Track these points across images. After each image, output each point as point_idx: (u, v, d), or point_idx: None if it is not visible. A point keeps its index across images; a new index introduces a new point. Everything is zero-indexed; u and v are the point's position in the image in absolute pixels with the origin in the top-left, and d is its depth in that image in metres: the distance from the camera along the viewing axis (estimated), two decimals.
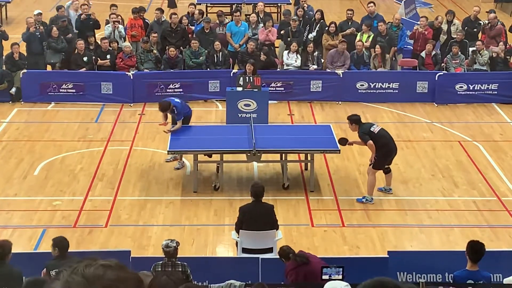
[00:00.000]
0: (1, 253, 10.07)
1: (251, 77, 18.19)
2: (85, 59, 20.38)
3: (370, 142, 14.41)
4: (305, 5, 23.25)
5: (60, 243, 10.46)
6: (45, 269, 10.18)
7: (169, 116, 16.20)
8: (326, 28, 21.40)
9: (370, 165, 14.72)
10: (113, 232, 13.63)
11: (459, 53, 20.73)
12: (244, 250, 12.00)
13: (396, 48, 21.26)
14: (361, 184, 15.50)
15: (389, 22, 22.01)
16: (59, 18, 21.84)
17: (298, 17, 22.02)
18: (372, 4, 22.54)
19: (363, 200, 14.72)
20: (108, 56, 20.59)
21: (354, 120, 14.76)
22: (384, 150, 14.57)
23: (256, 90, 18.18)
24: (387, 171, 15.00)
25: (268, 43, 21.33)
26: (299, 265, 10.42)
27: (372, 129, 14.52)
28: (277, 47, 21.93)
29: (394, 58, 21.25)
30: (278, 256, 11.70)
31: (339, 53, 20.49)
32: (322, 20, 21.91)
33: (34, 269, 10.47)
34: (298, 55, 20.69)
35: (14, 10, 28.42)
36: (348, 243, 13.25)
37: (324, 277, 10.14)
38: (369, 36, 21.22)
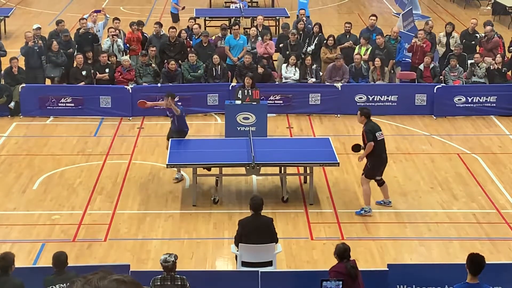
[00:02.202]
0: (3, 265, 10.09)
1: (249, 90, 18.22)
2: (83, 73, 20.40)
3: (372, 143, 14.43)
4: (303, 18, 23.31)
5: (57, 259, 10.43)
6: None
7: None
8: (325, 42, 21.45)
9: (362, 174, 14.73)
10: (112, 246, 13.60)
11: (457, 65, 20.77)
12: (244, 264, 11.98)
13: (394, 61, 21.30)
14: (360, 196, 15.48)
15: (387, 35, 22.07)
16: (58, 32, 21.88)
17: (298, 31, 22.07)
18: (373, 17, 22.61)
19: (361, 212, 14.72)
20: (107, 70, 20.62)
21: (364, 113, 14.79)
22: (378, 158, 14.60)
23: (255, 103, 18.21)
24: (381, 183, 14.99)
25: (267, 56, 21.37)
26: (345, 275, 10.35)
27: (377, 134, 14.55)
28: (276, 60, 21.96)
29: (392, 71, 21.28)
30: (278, 269, 11.69)
31: (337, 68, 20.51)
32: (320, 34, 21.97)
33: (33, 284, 10.45)
34: (297, 68, 20.73)
35: (13, 24, 28.46)
36: None
37: None
38: (367, 49, 21.27)
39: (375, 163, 14.60)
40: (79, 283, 3.06)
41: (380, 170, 14.80)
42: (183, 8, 26.30)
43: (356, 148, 15.01)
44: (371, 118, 14.89)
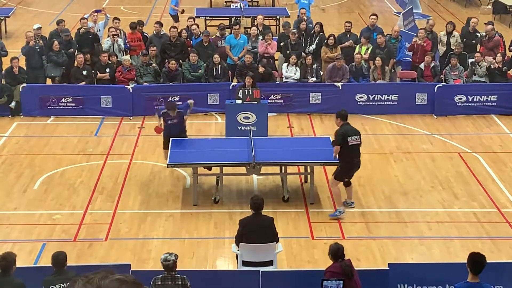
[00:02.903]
0: (5, 265, 10.09)
1: (250, 90, 18.22)
2: (84, 72, 20.41)
3: (338, 148, 14.30)
4: (304, 17, 23.30)
5: (56, 259, 10.42)
6: None
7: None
8: (325, 41, 21.44)
9: (332, 175, 14.63)
10: (113, 245, 13.61)
11: (458, 64, 20.76)
12: (244, 263, 11.98)
13: (395, 60, 21.29)
14: (361, 196, 15.50)
15: (388, 34, 22.06)
16: (59, 32, 21.89)
17: (300, 30, 22.07)
18: (374, 16, 22.60)
19: (336, 214, 14.58)
20: (108, 70, 20.62)
21: (341, 115, 14.66)
22: (347, 164, 14.46)
23: (256, 102, 18.21)
24: (347, 184, 14.94)
25: (268, 56, 21.37)
26: (341, 274, 10.34)
27: (349, 138, 14.38)
28: (277, 60, 21.96)
29: (393, 70, 21.28)
30: (279, 269, 11.70)
31: (337, 68, 20.51)
32: (321, 33, 21.95)
33: (34, 284, 10.46)
34: (297, 68, 20.73)
35: (14, 24, 28.47)
36: (349, 256, 13.11)
37: None
38: (368, 48, 21.26)
39: (345, 166, 14.50)
40: (80, 282, 3.06)
41: (349, 174, 14.74)
42: (183, 11, 26.29)
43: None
44: (348, 122, 14.69)
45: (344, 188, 14.94)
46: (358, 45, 21.56)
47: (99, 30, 22.52)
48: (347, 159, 14.41)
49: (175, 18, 25.93)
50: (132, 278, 3.09)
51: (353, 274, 10.45)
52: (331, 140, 14.72)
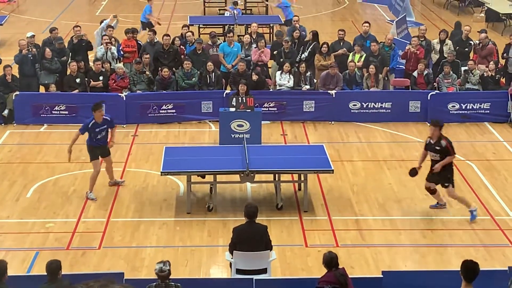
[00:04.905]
0: None
1: (244, 98, 18.22)
2: (77, 80, 20.39)
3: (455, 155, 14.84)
4: (297, 25, 23.33)
5: (48, 267, 10.38)
6: None
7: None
8: (319, 49, 21.43)
9: (447, 186, 14.78)
10: (107, 254, 13.57)
11: (451, 72, 20.80)
12: (238, 271, 11.96)
13: (388, 68, 21.33)
14: (354, 203, 15.50)
15: (381, 42, 22.10)
16: (52, 39, 21.87)
17: (293, 38, 22.09)
18: (367, 24, 22.65)
19: (474, 214, 14.80)
20: (101, 78, 20.61)
21: (440, 123, 14.86)
22: (452, 166, 14.88)
23: (249, 110, 18.21)
24: (434, 192, 15.17)
25: (261, 64, 21.38)
26: (335, 283, 10.31)
27: None
28: (270, 68, 21.97)
29: (386, 78, 21.31)
30: (273, 277, 11.68)
31: (331, 75, 20.53)
32: (315, 42, 21.86)
33: None
34: (291, 76, 20.74)
35: (7, 33, 28.44)
36: (342, 263, 13.09)
37: None
38: (361, 56, 21.29)
39: (451, 170, 14.81)
40: None
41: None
42: (159, 22, 26.22)
43: (413, 172, 15.17)
44: None
45: (434, 194, 15.16)
46: (352, 53, 21.60)
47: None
48: (452, 163, 14.82)
49: (144, 25, 25.75)
50: None
51: (348, 284, 10.43)
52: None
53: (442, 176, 14.73)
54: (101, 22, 23.40)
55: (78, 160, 17.70)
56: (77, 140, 18.87)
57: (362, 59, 21.21)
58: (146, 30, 24.78)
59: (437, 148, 14.65)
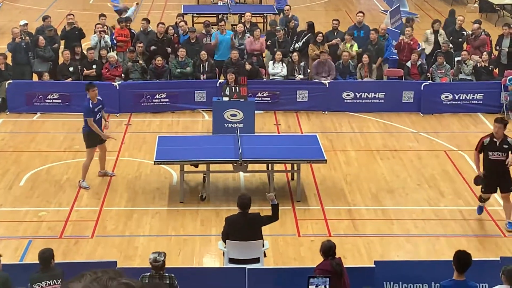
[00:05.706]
0: None
1: (237, 87, 18.20)
2: (71, 69, 20.34)
3: None
4: (289, 14, 23.29)
5: (41, 256, 10.39)
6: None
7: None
8: (314, 39, 21.39)
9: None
10: (100, 242, 13.57)
11: (445, 63, 20.82)
12: (231, 260, 11.98)
13: (382, 58, 21.33)
14: (347, 193, 15.52)
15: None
16: (45, 28, 21.80)
17: (287, 28, 22.06)
18: (361, 14, 22.62)
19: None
20: (94, 66, 20.57)
21: (507, 122, 14.12)
22: None
23: (243, 100, 18.19)
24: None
25: (257, 53, 21.33)
26: (331, 272, 10.33)
27: None
28: (265, 57, 21.94)
29: (381, 68, 21.30)
30: (265, 266, 11.70)
31: (322, 63, 20.53)
32: (310, 33, 21.78)
33: (21, 280, 10.43)
34: (284, 65, 20.73)
35: (0, 20, 28.31)
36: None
37: (310, 287, 10.13)
38: (351, 45, 21.27)
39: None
40: (88, 277, 3.03)
41: None
42: (125, 9, 25.95)
43: (479, 181, 14.23)
44: None
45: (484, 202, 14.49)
46: (343, 42, 21.56)
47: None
48: None
49: (119, 13, 25.45)
50: (140, 284, 3.06)
51: (343, 273, 10.46)
52: (475, 177, 14.26)
53: (508, 180, 13.93)
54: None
55: (71, 149, 17.68)
56: (71, 129, 18.91)
57: (354, 48, 21.18)
58: (125, 12, 24.59)
59: (505, 146, 13.63)
